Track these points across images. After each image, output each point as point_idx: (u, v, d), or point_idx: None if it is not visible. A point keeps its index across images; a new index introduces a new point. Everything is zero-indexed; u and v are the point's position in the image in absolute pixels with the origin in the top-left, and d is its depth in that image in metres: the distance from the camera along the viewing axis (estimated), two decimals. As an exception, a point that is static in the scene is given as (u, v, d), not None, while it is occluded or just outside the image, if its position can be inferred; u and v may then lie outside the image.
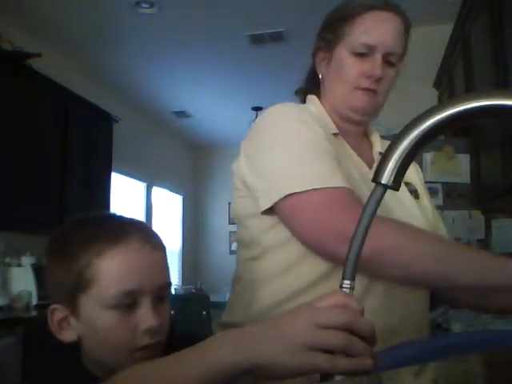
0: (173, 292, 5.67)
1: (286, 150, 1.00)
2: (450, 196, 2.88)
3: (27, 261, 3.48)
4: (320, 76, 1.15)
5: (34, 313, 3.24)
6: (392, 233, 0.91)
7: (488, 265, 0.89)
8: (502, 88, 2.11)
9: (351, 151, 1.10)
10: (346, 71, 1.07)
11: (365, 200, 0.57)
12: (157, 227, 6.18)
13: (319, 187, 0.93)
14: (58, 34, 4.08)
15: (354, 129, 1.14)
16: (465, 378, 0.46)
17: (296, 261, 1.01)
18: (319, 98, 1.15)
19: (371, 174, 0.57)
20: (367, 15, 1.06)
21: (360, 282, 0.56)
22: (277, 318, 0.58)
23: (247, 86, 5.29)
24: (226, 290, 4.92)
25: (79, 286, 0.74)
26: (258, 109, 5.80)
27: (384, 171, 0.55)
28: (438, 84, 3.65)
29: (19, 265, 3.50)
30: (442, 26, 3.35)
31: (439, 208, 2.80)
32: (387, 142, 1.18)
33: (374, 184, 0.56)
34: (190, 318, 4.54)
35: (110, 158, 4.57)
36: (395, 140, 0.55)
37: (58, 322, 0.76)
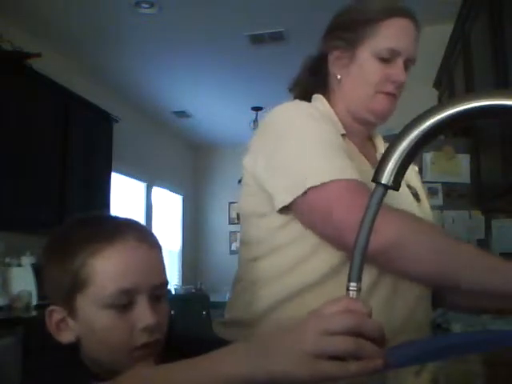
0: (173, 292, 5.67)
1: (301, 145, 1.00)
2: (450, 196, 2.88)
3: (27, 261, 3.48)
4: (337, 76, 1.13)
5: (33, 313, 3.24)
6: (400, 225, 0.91)
7: (492, 266, 0.89)
8: (502, 88, 2.11)
9: (358, 152, 1.11)
10: (370, 75, 1.07)
11: None
12: (157, 227, 6.19)
13: (339, 178, 0.94)
14: (57, 33, 4.08)
15: (362, 131, 1.14)
16: (465, 378, 0.46)
17: (299, 261, 1.01)
18: (327, 97, 1.14)
19: None
20: (392, 21, 1.07)
21: (362, 284, 0.56)
22: (285, 328, 0.57)
23: (247, 86, 5.29)
24: (226, 290, 4.92)
25: (75, 286, 0.74)
26: (258, 109, 5.80)
27: (384, 171, 0.55)
28: (438, 84, 3.65)
29: (19, 265, 3.50)
30: (442, 25, 3.35)
31: (439, 208, 2.82)
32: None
33: (379, 186, 0.55)
34: (189, 317, 4.53)
35: (110, 158, 4.57)
36: (395, 140, 0.55)
37: (57, 324, 0.76)
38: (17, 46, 3.52)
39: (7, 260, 3.50)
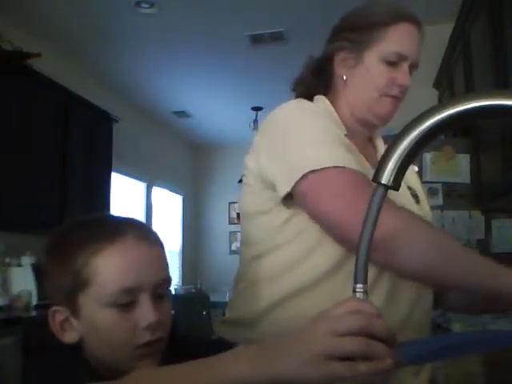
0: (173, 292, 5.67)
1: (303, 135, 1.01)
2: (450, 196, 2.88)
3: (27, 261, 3.48)
4: (343, 77, 1.13)
5: (33, 313, 3.24)
6: (398, 218, 0.91)
7: (490, 269, 0.89)
8: (502, 88, 2.11)
9: (358, 153, 1.11)
10: (376, 78, 1.09)
11: None
12: (157, 227, 6.18)
13: (339, 165, 0.95)
14: (57, 33, 4.08)
15: (363, 132, 1.15)
16: (465, 378, 0.46)
17: (300, 259, 1.02)
18: (329, 97, 1.14)
19: None
20: (399, 25, 1.08)
21: None
22: (293, 331, 0.57)
23: (247, 86, 5.29)
24: (225, 290, 4.92)
25: (77, 285, 0.74)
26: (257, 109, 5.80)
27: (384, 171, 0.55)
28: (438, 84, 3.65)
29: (19, 265, 3.50)
30: (442, 25, 3.35)
31: (439, 208, 2.82)
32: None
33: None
34: (190, 317, 4.54)
35: (110, 158, 4.57)
36: (395, 140, 0.55)
37: (60, 324, 0.76)
38: (17, 46, 3.52)
39: (7, 260, 3.50)
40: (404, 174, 0.56)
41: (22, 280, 3.40)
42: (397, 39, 1.08)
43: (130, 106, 5.70)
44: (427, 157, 2.90)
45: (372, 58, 1.09)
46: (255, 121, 5.80)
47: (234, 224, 7.15)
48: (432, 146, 2.84)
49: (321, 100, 1.14)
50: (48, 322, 0.77)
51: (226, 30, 4.07)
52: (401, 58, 1.07)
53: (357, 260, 0.55)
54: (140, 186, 6.08)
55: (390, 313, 0.99)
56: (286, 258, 1.03)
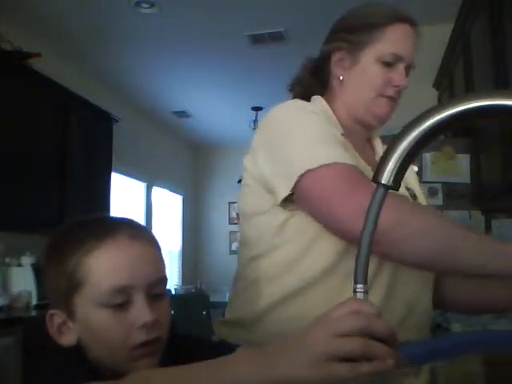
0: (173, 292, 5.67)
1: (300, 135, 1.02)
2: (449, 196, 2.88)
3: (27, 261, 3.48)
4: (340, 77, 1.14)
5: (33, 313, 3.24)
6: (400, 207, 0.91)
7: (497, 250, 0.89)
8: (502, 88, 2.11)
9: (355, 153, 1.11)
10: (373, 78, 1.09)
11: None
12: (157, 227, 6.18)
13: (337, 161, 0.96)
14: (57, 34, 4.08)
15: (361, 132, 1.16)
16: (465, 378, 0.46)
17: (300, 256, 1.02)
18: (326, 97, 1.15)
19: None
20: (396, 26, 1.08)
21: None
22: (294, 333, 0.57)
23: (247, 86, 5.29)
24: (225, 290, 4.92)
25: (72, 287, 0.74)
26: (258, 109, 5.80)
27: (384, 171, 0.55)
28: (438, 84, 3.65)
29: (19, 265, 3.50)
30: (442, 25, 3.35)
31: (439, 208, 2.82)
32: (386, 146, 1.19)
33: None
34: (189, 317, 4.54)
35: (110, 158, 4.57)
36: (395, 140, 0.55)
37: (58, 327, 0.76)
38: (17, 46, 3.52)
39: (7, 260, 3.50)
40: (404, 174, 0.56)
41: (22, 280, 3.40)
42: (393, 40, 1.08)
43: (130, 106, 5.70)
44: (427, 157, 2.90)
45: (368, 59, 1.09)
46: (255, 121, 5.80)
47: (234, 224, 7.15)
48: (432, 146, 2.84)
49: (318, 100, 1.14)
50: (47, 327, 0.77)
51: (226, 30, 4.07)
52: (397, 58, 1.08)
53: (357, 260, 0.55)
54: (140, 186, 6.07)
55: (389, 311, 0.99)
56: (285, 258, 1.03)
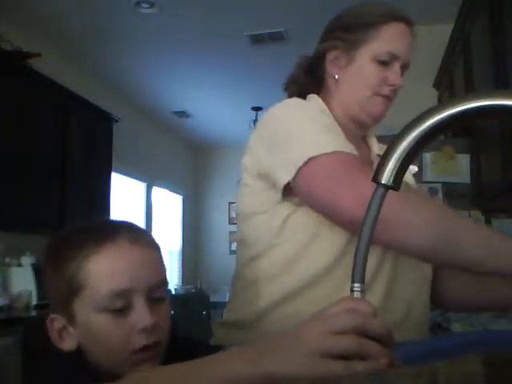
0: (173, 292, 5.67)
1: (301, 127, 1.02)
2: (449, 196, 2.88)
3: (27, 261, 3.48)
4: (335, 76, 1.14)
5: (33, 313, 3.24)
6: (400, 195, 0.90)
7: (497, 245, 0.87)
8: (502, 88, 2.11)
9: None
10: (368, 77, 1.09)
11: None
12: (157, 227, 6.18)
13: (338, 150, 0.96)
14: (57, 34, 4.08)
15: (356, 131, 1.16)
16: (465, 378, 0.46)
17: (299, 255, 1.01)
18: (321, 96, 1.15)
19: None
20: (391, 25, 1.08)
21: None
22: (287, 331, 0.57)
23: (247, 86, 5.29)
24: (225, 290, 4.92)
25: (72, 291, 0.74)
26: (257, 109, 5.80)
27: (384, 171, 0.55)
28: (438, 84, 3.65)
29: (19, 265, 3.50)
30: (442, 25, 3.35)
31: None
32: (383, 145, 1.20)
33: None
34: (190, 318, 4.54)
35: (110, 158, 4.57)
36: (395, 140, 0.55)
37: (58, 332, 0.76)
38: (17, 46, 3.52)
39: (7, 260, 3.50)
40: (404, 174, 0.56)
41: (22, 280, 3.40)
42: (389, 39, 1.08)
43: (130, 106, 5.70)
44: (427, 157, 2.90)
45: (364, 58, 1.09)
46: (255, 121, 5.80)
47: (234, 224, 7.03)
48: (432, 146, 2.84)
49: (314, 99, 1.14)
50: (47, 329, 0.76)
51: (226, 29, 4.07)
52: (393, 57, 1.08)
53: (355, 259, 0.55)
54: (140, 186, 6.08)
55: (389, 310, 0.99)
56: (285, 257, 1.03)
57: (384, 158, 0.55)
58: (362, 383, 0.50)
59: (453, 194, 2.88)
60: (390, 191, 0.84)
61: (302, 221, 1.02)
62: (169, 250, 6.48)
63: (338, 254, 0.99)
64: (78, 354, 0.76)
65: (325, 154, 0.95)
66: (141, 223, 5.58)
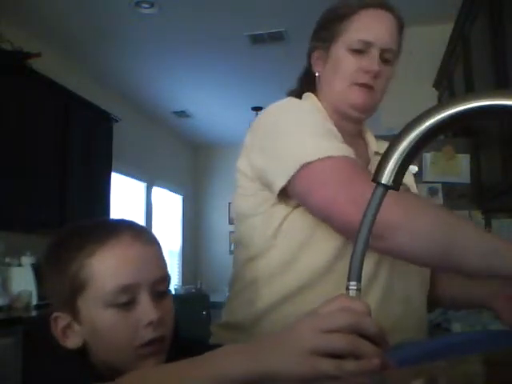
0: (173, 292, 5.65)
1: (296, 128, 1.01)
2: (449, 196, 2.88)
3: (27, 261, 3.48)
4: (316, 75, 1.15)
5: (33, 313, 3.24)
6: (402, 200, 0.89)
7: (492, 249, 0.85)
8: (502, 88, 2.11)
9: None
10: (344, 67, 1.08)
11: None
12: (157, 227, 6.18)
13: (334, 155, 0.95)
14: (58, 34, 4.08)
15: (351, 127, 1.15)
16: (465, 378, 0.46)
17: (297, 255, 1.01)
18: (316, 95, 1.15)
19: None
20: (363, 12, 1.07)
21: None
22: (281, 329, 0.57)
23: (247, 86, 5.29)
24: (225, 290, 4.91)
25: (75, 289, 0.75)
26: (258, 109, 5.80)
27: (384, 171, 0.55)
28: (438, 84, 3.65)
29: (19, 265, 3.50)
30: (442, 25, 3.35)
31: (439, 208, 2.81)
32: (381, 142, 1.19)
33: (371, 183, 0.55)
34: (190, 317, 4.54)
35: (110, 158, 4.57)
36: (395, 140, 0.55)
37: (62, 330, 0.76)
38: (17, 46, 3.52)
39: (7, 260, 3.50)
40: (404, 174, 0.56)
41: (22, 280, 3.40)
42: (360, 27, 1.07)
43: (130, 106, 5.70)
44: (427, 157, 2.90)
45: (339, 50, 1.09)
46: (255, 121, 5.80)
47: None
48: (432, 146, 2.84)
49: (309, 97, 1.15)
50: (50, 327, 0.76)
51: (226, 30, 4.07)
52: (366, 44, 1.06)
53: (352, 258, 0.55)
54: (140, 186, 6.07)
55: (387, 311, 0.99)
56: (283, 257, 1.02)
57: (384, 158, 0.55)
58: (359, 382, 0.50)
59: (453, 194, 2.88)
60: (393, 196, 0.84)
61: (299, 222, 1.01)
62: (169, 250, 6.48)
63: (336, 254, 0.99)
64: (79, 353, 0.76)
65: (320, 160, 0.94)
66: (141, 223, 5.56)
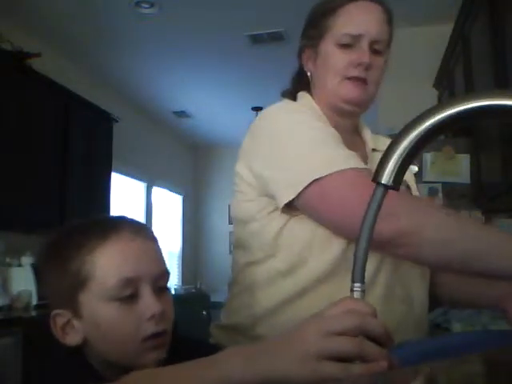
0: (173, 292, 5.67)
1: (298, 139, 0.99)
2: (449, 196, 2.88)
3: (27, 261, 3.48)
4: (308, 74, 1.15)
5: (33, 313, 3.23)
6: (415, 209, 0.89)
7: (504, 249, 0.85)
8: (502, 88, 2.11)
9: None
10: (334, 63, 1.07)
11: None
12: (157, 227, 6.18)
13: (344, 168, 0.93)
14: (58, 34, 4.08)
15: (346, 124, 1.13)
16: (465, 378, 0.46)
17: (298, 262, 1.00)
18: (310, 94, 1.15)
19: None
20: (349, 6, 1.07)
21: None
22: (286, 332, 0.57)
23: (247, 86, 5.29)
24: (225, 290, 4.90)
25: (77, 285, 0.75)
26: (258, 109, 5.79)
27: (384, 171, 0.55)
28: (438, 84, 3.65)
29: (19, 265, 3.50)
30: (442, 26, 3.35)
31: (439, 208, 2.81)
32: (378, 138, 1.19)
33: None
34: (189, 317, 4.53)
35: (110, 158, 4.57)
36: (395, 140, 0.55)
37: (62, 328, 0.76)
38: (17, 46, 3.52)
39: (7, 260, 3.49)
40: (404, 174, 0.56)
41: (22, 280, 3.40)
42: (346, 20, 1.06)
43: (130, 106, 5.70)
44: (427, 157, 2.90)
45: (327, 46, 1.08)
46: (255, 121, 5.80)
47: (234, 224, 7.12)
48: (432, 146, 2.84)
49: (304, 97, 1.14)
50: (49, 326, 0.77)
51: (226, 30, 4.06)
52: (354, 38, 1.05)
53: (355, 259, 0.55)
54: (140, 186, 6.07)
55: (388, 311, 0.99)
56: (282, 263, 1.01)
57: (384, 158, 0.55)
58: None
59: (453, 194, 2.88)
60: (405, 202, 0.82)
61: (299, 228, 1.00)
62: (169, 250, 6.48)
63: (335, 260, 0.98)
64: (79, 353, 0.76)
65: (330, 176, 0.92)
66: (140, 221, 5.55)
